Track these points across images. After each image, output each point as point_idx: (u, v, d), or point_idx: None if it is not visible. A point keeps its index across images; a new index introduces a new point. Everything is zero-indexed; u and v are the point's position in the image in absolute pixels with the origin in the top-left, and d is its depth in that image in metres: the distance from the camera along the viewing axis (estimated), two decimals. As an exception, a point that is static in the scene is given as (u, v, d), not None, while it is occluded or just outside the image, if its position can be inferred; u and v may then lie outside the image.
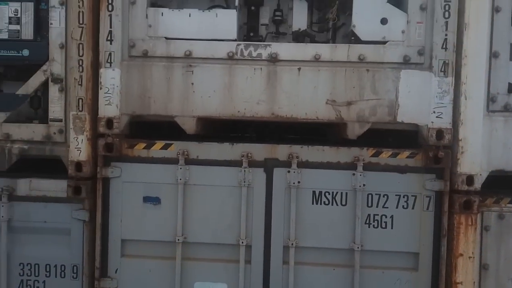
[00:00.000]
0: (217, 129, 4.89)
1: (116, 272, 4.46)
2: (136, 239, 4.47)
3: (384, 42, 4.31)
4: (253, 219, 4.37)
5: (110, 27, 4.32)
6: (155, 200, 4.44)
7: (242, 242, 4.36)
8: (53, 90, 4.45)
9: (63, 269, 4.52)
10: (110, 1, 4.29)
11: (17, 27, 4.45)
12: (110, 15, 4.31)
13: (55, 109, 4.46)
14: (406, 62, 4.27)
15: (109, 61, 4.35)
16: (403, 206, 4.33)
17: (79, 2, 4.29)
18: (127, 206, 4.44)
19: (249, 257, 4.39)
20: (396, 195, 4.33)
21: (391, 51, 4.29)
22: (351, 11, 4.33)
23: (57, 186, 4.47)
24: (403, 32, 4.28)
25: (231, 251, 4.39)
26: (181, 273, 4.39)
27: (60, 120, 4.47)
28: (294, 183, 4.33)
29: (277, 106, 4.35)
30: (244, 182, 4.34)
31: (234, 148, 4.38)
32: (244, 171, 4.33)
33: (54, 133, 4.47)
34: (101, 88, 4.38)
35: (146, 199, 4.44)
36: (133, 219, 4.44)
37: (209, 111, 4.38)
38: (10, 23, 4.44)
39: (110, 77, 4.37)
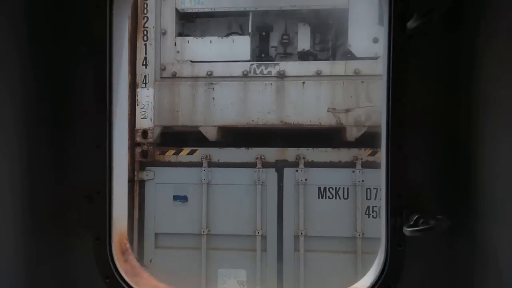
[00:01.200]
0: (235, 136, 5.61)
1: (150, 261, 5.14)
2: (168, 232, 5.17)
3: (376, 58, 4.99)
4: (267, 213, 5.02)
5: (145, 54, 5.20)
6: (183, 199, 5.15)
7: (258, 233, 4.99)
8: (99, 107, 5.28)
9: (106, 260, 5.20)
10: (145, 33, 5.19)
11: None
12: (145, 44, 5.20)
13: (100, 123, 5.27)
14: None
15: (144, 82, 5.20)
16: None
17: (120, 34, 5.17)
18: (160, 204, 5.16)
19: (264, 246, 5.01)
20: None
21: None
22: (347, 33, 5.07)
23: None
24: (391, 48, 4.94)
25: (249, 241, 5.03)
26: (206, 261, 5.04)
27: (104, 132, 5.26)
28: (301, 180, 4.97)
29: (285, 114, 5.07)
30: (259, 180, 5.02)
31: (249, 152, 5.09)
32: (258, 171, 5.02)
33: (99, 143, 5.26)
34: (137, 105, 5.22)
35: (176, 198, 5.16)
36: (165, 215, 5.15)
37: (227, 121, 5.14)
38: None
39: (145, 95, 5.20)
